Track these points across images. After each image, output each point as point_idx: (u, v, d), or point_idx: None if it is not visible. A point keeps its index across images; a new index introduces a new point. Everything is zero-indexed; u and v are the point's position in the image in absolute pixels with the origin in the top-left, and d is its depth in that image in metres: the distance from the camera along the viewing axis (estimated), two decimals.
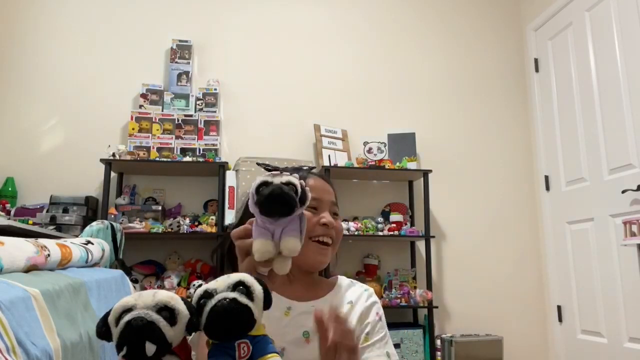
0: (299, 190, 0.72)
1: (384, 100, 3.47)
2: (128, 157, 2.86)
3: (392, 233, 3.00)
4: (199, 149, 3.03)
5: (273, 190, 0.69)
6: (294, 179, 0.73)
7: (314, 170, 1.09)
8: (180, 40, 3.24)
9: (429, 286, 2.99)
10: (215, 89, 3.20)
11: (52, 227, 2.62)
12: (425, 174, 3.12)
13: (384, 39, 3.57)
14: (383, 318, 1.04)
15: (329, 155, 3.13)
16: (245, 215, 1.06)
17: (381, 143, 3.16)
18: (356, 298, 1.04)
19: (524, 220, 3.47)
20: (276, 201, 0.69)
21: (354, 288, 1.06)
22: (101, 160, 2.81)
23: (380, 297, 2.87)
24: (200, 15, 3.39)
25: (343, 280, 1.09)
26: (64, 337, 0.88)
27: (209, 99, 3.17)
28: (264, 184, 0.71)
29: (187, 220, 2.85)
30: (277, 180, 0.71)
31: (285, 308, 0.96)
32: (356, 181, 3.30)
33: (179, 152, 3.00)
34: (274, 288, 0.73)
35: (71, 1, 3.29)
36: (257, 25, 3.43)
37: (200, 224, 2.85)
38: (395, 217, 3.10)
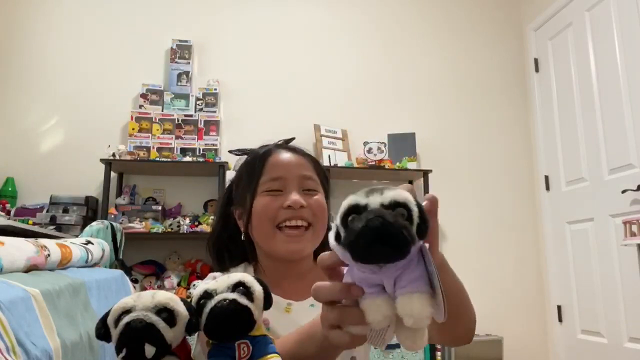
0: (414, 212, 0.45)
1: (384, 100, 3.47)
2: (128, 157, 2.86)
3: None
4: (199, 149, 3.03)
5: (370, 222, 0.43)
6: (401, 194, 0.46)
7: (292, 144, 0.95)
8: (180, 40, 3.24)
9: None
10: (215, 89, 3.20)
11: (52, 227, 2.62)
12: (425, 174, 3.12)
13: (384, 39, 3.57)
14: None
15: (329, 155, 3.13)
16: (225, 211, 0.97)
17: (381, 143, 3.16)
18: None
19: (524, 220, 3.46)
20: (377, 241, 0.43)
21: None
22: (101, 160, 2.81)
23: None
24: (200, 15, 3.38)
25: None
26: (64, 337, 0.88)
27: (209, 99, 3.17)
28: (354, 208, 0.45)
29: (187, 220, 2.85)
30: (375, 200, 0.45)
31: (285, 304, 0.91)
32: (356, 181, 3.30)
33: (179, 152, 3.00)
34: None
35: (71, 1, 3.29)
36: (257, 25, 3.43)
37: (200, 224, 2.85)
38: None
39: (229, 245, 1.01)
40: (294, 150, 0.96)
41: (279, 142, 0.96)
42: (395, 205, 0.45)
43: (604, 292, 2.78)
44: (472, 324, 0.75)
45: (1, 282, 0.82)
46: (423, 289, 0.46)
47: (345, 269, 0.51)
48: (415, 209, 0.45)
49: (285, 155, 0.93)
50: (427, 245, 0.48)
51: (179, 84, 3.18)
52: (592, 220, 2.90)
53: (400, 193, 0.46)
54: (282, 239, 0.88)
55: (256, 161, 0.93)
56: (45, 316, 0.86)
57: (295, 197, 0.87)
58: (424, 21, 3.65)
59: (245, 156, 1.01)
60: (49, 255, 1.11)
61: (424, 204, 0.48)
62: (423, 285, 0.46)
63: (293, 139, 1.03)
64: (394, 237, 0.43)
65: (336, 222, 0.47)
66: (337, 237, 0.46)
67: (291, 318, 0.88)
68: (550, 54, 3.39)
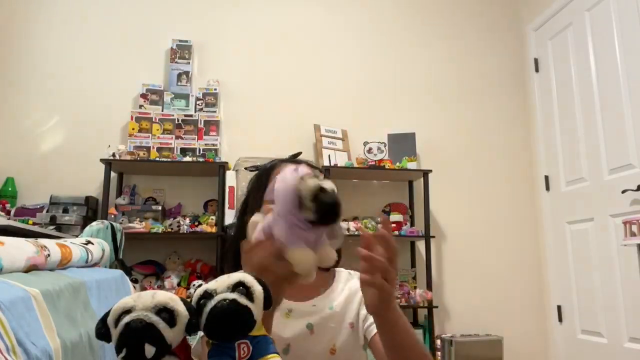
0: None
1: (384, 100, 3.47)
2: (128, 157, 2.86)
3: (392, 233, 2.99)
4: (199, 149, 3.03)
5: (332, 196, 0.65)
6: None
7: (301, 158, 1.05)
8: (180, 40, 3.24)
9: (429, 286, 2.99)
10: (215, 89, 3.20)
11: (52, 227, 2.62)
12: (425, 174, 3.12)
13: (384, 39, 3.57)
14: None
15: (329, 155, 3.13)
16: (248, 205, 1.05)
17: (381, 143, 3.16)
18: (353, 285, 1.03)
19: (523, 220, 3.46)
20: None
21: (354, 281, 1.05)
22: (101, 160, 2.81)
23: None
24: (200, 15, 3.38)
25: (341, 272, 1.08)
26: (64, 337, 0.88)
27: (209, 99, 3.17)
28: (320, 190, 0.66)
29: (187, 220, 2.85)
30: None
31: (286, 310, 0.95)
32: (356, 181, 3.30)
33: (179, 152, 3.00)
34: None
35: (71, 1, 3.29)
36: (257, 25, 3.43)
37: (200, 224, 2.85)
38: (395, 217, 3.10)
39: None
40: (298, 162, 1.03)
41: (290, 157, 1.04)
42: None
43: (604, 292, 2.78)
44: None
45: (1, 282, 0.81)
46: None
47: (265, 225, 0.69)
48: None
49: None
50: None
51: (179, 84, 3.18)
52: (592, 220, 2.90)
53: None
54: None
55: (262, 175, 1.03)
56: (45, 316, 0.85)
57: None
58: (424, 21, 3.65)
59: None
60: (49, 255, 1.11)
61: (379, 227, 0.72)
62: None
63: (300, 153, 1.13)
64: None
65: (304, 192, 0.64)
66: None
67: (289, 323, 0.94)
68: (550, 54, 3.39)
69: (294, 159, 1.06)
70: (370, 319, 0.98)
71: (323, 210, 0.61)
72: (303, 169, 0.67)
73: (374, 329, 0.95)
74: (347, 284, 1.04)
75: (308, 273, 0.66)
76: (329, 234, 0.66)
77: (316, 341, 0.94)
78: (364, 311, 0.98)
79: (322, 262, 0.64)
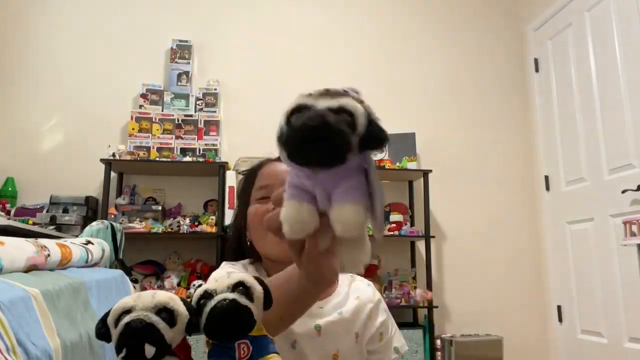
0: (359, 121, 0.43)
1: (384, 101, 3.46)
2: (128, 157, 2.86)
3: (392, 233, 3.00)
4: (199, 149, 3.03)
5: (309, 120, 0.42)
6: (352, 103, 0.44)
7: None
8: (180, 40, 3.24)
9: (429, 286, 2.99)
10: (215, 89, 3.20)
11: (52, 227, 2.62)
12: (425, 174, 3.12)
13: (384, 39, 3.57)
14: (388, 311, 1.05)
15: None
16: (241, 199, 1.05)
17: None
18: (362, 293, 1.03)
19: (523, 220, 3.46)
20: (313, 139, 0.42)
21: (357, 283, 1.06)
22: (101, 160, 2.81)
23: None
24: (200, 15, 3.39)
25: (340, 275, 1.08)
26: (64, 337, 0.88)
27: (209, 99, 3.17)
28: (298, 109, 0.45)
29: (187, 220, 2.85)
30: (322, 103, 0.44)
31: None
32: None
33: (179, 152, 3.00)
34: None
35: (71, 1, 3.29)
36: (257, 25, 3.43)
37: (200, 224, 2.85)
38: (395, 217, 3.10)
39: (243, 247, 1.07)
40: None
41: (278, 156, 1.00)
42: (342, 110, 0.43)
43: (604, 292, 2.78)
44: None
45: (1, 282, 0.82)
46: (358, 198, 0.44)
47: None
48: (361, 119, 0.43)
49: (275, 166, 1.00)
50: (373, 159, 0.46)
51: (179, 84, 3.18)
52: (592, 220, 2.90)
53: (351, 102, 0.43)
54: (273, 240, 0.89)
55: (250, 174, 1.04)
56: (45, 316, 0.86)
57: None
58: (423, 21, 3.65)
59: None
60: (49, 255, 1.11)
61: None
62: (359, 195, 0.44)
63: None
64: (328, 138, 0.41)
65: (280, 122, 0.46)
66: (281, 136, 0.45)
67: (300, 319, 0.91)
68: (550, 54, 3.39)
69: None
70: (374, 344, 0.99)
71: (289, 140, 0.43)
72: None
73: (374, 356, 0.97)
74: (352, 286, 1.04)
75: (296, 236, 0.47)
76: (351, 185, 0.44)
77: (322, 343, 0.94)
78: (371, 329, 0.99)
79: (338, 228, 0.45)
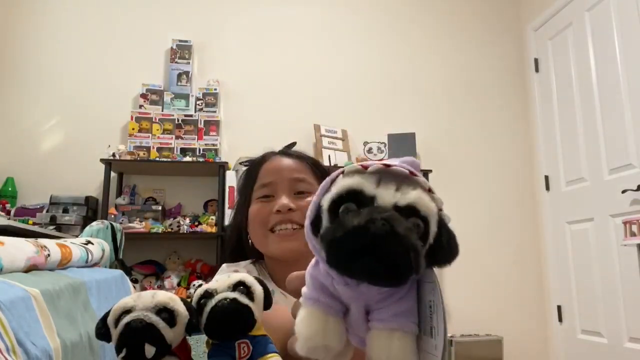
0: (432, 229, 0.35)
1: (384, 100, 3.47)
2: (128, 157, 2.86)
3: None
4: (199, 149, 3.03)
5: (370, 223, 0.31)
6: (424, 200, 0.35)
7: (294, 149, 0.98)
8: (180, 40, 3.24)
9: None
10: (215, 89, 3.20)
11: (52, 227, 2.62)
12: (425, 174, 3.12)
13: (384, 39, 3.57)
14: None
15: (329, 155, 3.14)
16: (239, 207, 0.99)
17: (381, 143, 3.16)
18: None
19: (524, 220, 3.46)
20: (372, 252, 0.31)
21: None
22: (101, 160, 2.81)
23: None
24: (200, 15, 3.39)
25: None
26: (64, 337, 0.88)
27: (209, 99, 3.17)
28: (354, 195, 0.34)
29: (187, 220, 2.85)
30: (385, 195, 0.33)
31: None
32: None
33: (179, 152, 3.00)
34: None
35: (71, 1, 3.29)
36: (257, 25, 3.43)
37: (200, 224, 2.85)
38: None
39: (244, 246, 1.03)
40: (289, 154, 0.97)
41: (281, 149, 0.98)
42: (412, 212, 0.32)
43: (604, 292, 2.77)
44: None
45: (1, 282, 0.82)
46: (408, 327, 0.35)
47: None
48: (434, 227, 0.34)
49: (278, 161, 0.95)
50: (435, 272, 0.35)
51: (179, 84, 3.18)
52: (592, 220, 2.90)
53: (423, 199, 0.33)
54: (275, 239, 0.89)
55: (252, 168, 0.97)
56: (45, 316, 0.85)
57: (283, 201, 0.88)
58: (423, 21, 3.65)
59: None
60: (49, 255, 1.11)
61: None
62: (409, 322, 0.35)
63: (294, 144, 1.06)
64: (393, 255, 0.31)
65: (322, 201, 0.34)
66: (316, 222, 0.34)
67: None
68: (550, 54, 3.39)
69: (289, 149, 1.01)
70: None
71: (338, 238, 0.33)
72: None
73: None
74: None
75: (311, 356, 0.39)
76: (404, 307, 0.37)
77: None
78: None
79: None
